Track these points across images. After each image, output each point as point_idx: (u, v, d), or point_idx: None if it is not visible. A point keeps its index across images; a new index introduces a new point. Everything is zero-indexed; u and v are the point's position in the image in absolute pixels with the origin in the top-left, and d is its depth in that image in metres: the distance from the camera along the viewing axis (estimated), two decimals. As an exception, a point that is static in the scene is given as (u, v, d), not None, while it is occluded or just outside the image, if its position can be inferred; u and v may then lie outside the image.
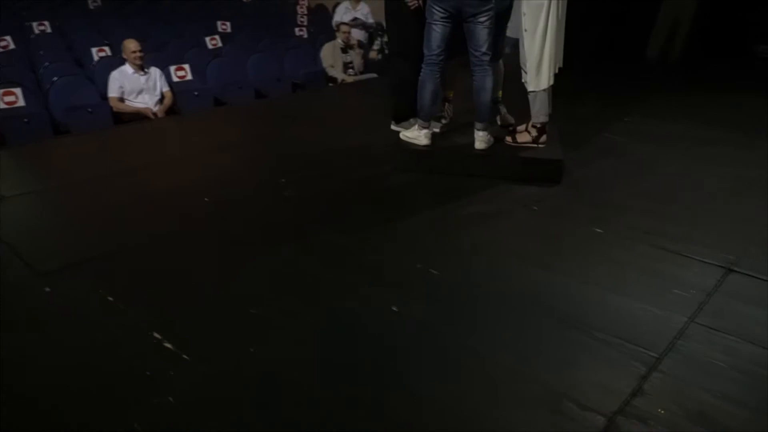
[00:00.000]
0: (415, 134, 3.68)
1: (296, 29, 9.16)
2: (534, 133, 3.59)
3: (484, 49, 3.33)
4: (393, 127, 4.08)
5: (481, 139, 3.56)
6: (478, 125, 3.54)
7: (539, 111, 3.52)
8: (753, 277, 2.51)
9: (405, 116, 4.00)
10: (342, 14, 8.02)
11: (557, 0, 3.31)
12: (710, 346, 2.09)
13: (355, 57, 7.09)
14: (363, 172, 3.63)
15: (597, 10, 6.88)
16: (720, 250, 2.70)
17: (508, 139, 3.68)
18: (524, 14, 3.34)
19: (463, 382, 1.89)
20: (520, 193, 3.35)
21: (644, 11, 7.65)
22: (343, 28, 7.10)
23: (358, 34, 7.89)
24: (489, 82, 3.39)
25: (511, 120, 3.92)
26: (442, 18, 3.33)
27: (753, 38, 8.36)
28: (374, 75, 7.07)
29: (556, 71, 3.47)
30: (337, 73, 6.91)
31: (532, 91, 3.46)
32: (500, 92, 3.91)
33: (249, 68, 6.98)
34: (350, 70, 7.02)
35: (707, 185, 3.52)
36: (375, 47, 7.63)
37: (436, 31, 3.37)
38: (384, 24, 9.63)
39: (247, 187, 3.40)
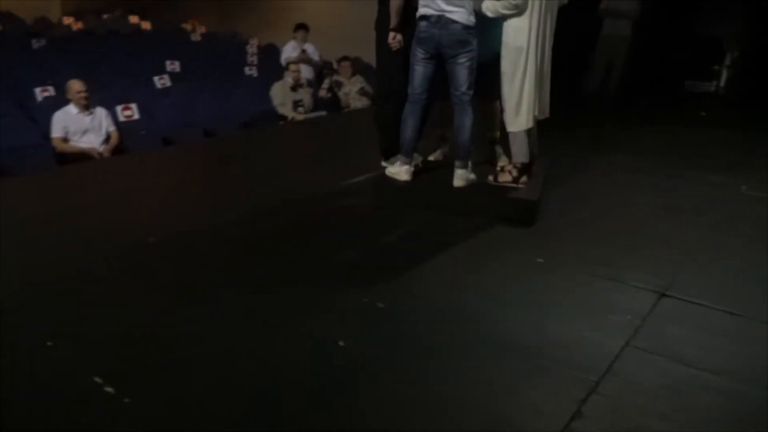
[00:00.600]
0: (397, 170, 3.74)
1: (246, 68, 9.24)
2: (514, 173, 3.63)
3: (463, 89, 3.43)
4: (383, 163, 4.10)
5: (459, 177, 3.60)
6: (457, 163, 3.59)
7: (518, 152, 3.56)
8: (684, 300, 2.63)
9: (393, 153, 4.03)
10: (290, 52, 8.13)
11: (537, 44, 3.38)
12: (646, 368, 2.17)
13: (304, 95, 7.17)
14: (312, 208, 3.67)
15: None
16: (653, 275, 2.83)
17: (490, 178, 3.72)
18: (503, 57, 3.42)
19: (404, 412, 1.91)
20: (475, 226, 3.40)
21: (581, 52, 8.02)
22: (293, 66, 7.19)
23: (307, 73, 8.01)
24: (468, 122, 3.48)
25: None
26: (423, 58, 3.45)
27: (682, 75, 8.88)
28: (323, 113, 7.16)
29: (539, 117, 3.55)
30: (286, 111, 6.97)
31: (511, 132, 3.53)
32: (497, 133, 3.95)
33: (198, 107, 6.99)
34: (300, 108, 7.09)
35: (640, 213, 3.69)
36: (324, 86, 7.75)
37: (418, 71, 3.48)
38: (332, 63, 9.90)
39: (193, 226, 3.37)
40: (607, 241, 3.25)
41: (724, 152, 5.26)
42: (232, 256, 3.02)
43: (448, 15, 3.30)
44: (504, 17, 3.36)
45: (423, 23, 3.39)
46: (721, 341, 2.36)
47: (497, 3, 3.33)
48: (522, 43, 3.34)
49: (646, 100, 7.83)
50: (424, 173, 3.87)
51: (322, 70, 8.64)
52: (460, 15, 3.30)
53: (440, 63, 3.44)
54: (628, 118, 6.78)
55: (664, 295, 2.66)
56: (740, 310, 2.56)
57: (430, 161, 4.09)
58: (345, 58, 7.99)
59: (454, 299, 2.61)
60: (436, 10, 3.32)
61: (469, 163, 3.67)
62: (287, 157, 4.92)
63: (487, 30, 3.45)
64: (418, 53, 3.44)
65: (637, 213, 3.69)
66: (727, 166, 4.75)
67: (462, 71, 3.39)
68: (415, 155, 3.84)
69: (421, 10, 3.39)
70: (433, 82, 3.51)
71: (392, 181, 3.74)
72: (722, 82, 8.84)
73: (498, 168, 3.79)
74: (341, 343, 2.24)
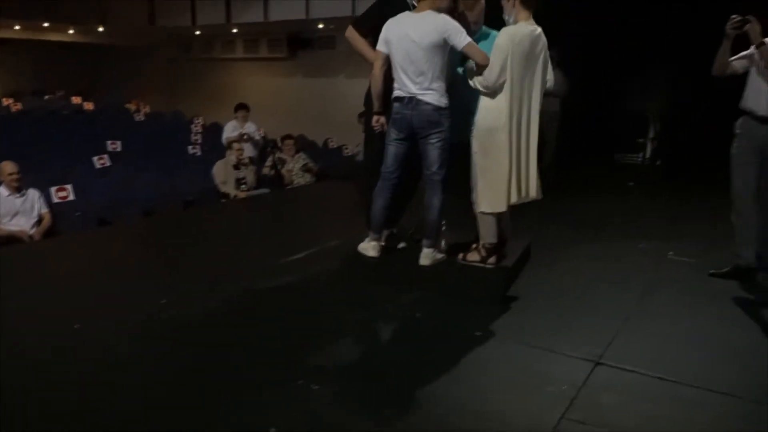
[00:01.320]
0: (365, 245, 3.73)
1: (189, 147, 9.24)
2: (483, 253, 3.56)
3: (434, 169, 3.45)
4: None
5: (425, 256, 3.58)
6: (424, 242, 3.59)
7: (486, 233, 3.50)
8: (618, 368, 2.66)
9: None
10: (230, 132, 8.19)
11: (512, 126, 3.30)
12: (582, 440, 2.17)
13: (247, 173, 7.20)
14: (254, 286, 3.61)
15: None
16: (589, 344, 2.87)
17: (460, 256, 3.67)
18: (473, 137, 3.42)
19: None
20: (433, 303, 3.42)
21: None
22: (236, 145, 7.24)
23: (250, 151, 8.06)
24: (436, 201, 3.48)
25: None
26: (396, 139, 3.50)
27: (611, 148, 9.37)
28: (266, 190, 7.18)
29: (524, 199, 3.48)
30: (229, 189, 6.96)
31: (479, 212, 3.50)
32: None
33: (139, 186, 6.89)
34: (243, 186, 7.10)
35: (578, 281, 3.78)
36: (267, 163, 7.80)
37: (391, 151, 3.53)
38: (276, 140, 10.03)
39: (123, 311, 3.24)
40: (543, 309, 3.30)
41: (652, 220, 5.50)
42: (163, 341, 2.91)
43: (419, 96, 3.37)
44: (482, 98, 3.37)
45: (396, 104, 3.45)
46: (656, 408, 2.39)
47: (476, 77, 3.35)
48: (492, 124, 3.33)
49: (579, 172, 8.17)
50: (399, 249, 3.87)
51: (266, 147, 8.73)
52: (432, 96, 3.36)
53: (414, 143, 3.49)
54: (564, 189, 7.04)
55: (598, 363, 2.69)
56: (672, 375, 2.60)
57: (411, 237, 4.04)
58: (288, 137, 8.12)
59: (389, 377, 2.58)
60: (408, 93, 3.39)
61: (442, 242, 3.70)
62: (228, 235, 4.86)
63: (467, 109, 3.51)
64: (392, 133, 3.50)
65: (576, 282, 3.78)
66: (655, 234, 4.96)
67: (433, 151, 3.43)
68: (394, 231, 3.90)
69: (395, 92, 3.46)
70: (406, 162, 3.53)
71: (362, 257, 3.72)
72: (647, 154, 9.35)
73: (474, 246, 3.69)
74: (272, 430, 2.16)
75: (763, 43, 3.64)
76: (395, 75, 3.44)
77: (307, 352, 2.79)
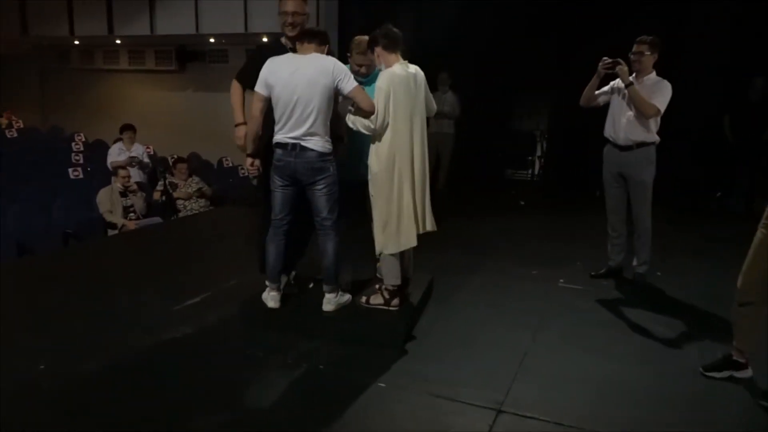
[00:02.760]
0: (265, 296, 3.59)
1: (70, 170, 8.58)
2: (386, 295, 3.55)
3: (323, 215, 3.39)
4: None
5: (328, 302, 3.52)
6: (325, 287, 3.52)
7: (389, 274, 3.48)
8: (519, 416, 2.74)
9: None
10: (116, 156, 7.75)
11: (406, 164, 3.33)
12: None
13: (136, 200, 6.81)
14: (144, 341, 3.38)
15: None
16: (489, 389, 2.93)
17: (363, 299, 3.64)
18: (369, 180, 3.40)
19: None
20: (334, 351, 3.34)
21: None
22: (122, 172, 6.83)
23: (138, 176, 7.65)
24: (330, 246, 3.43)
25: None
26: (281, 185, 3.39)
27: (501, 165, 9.79)
28: (158, 219, 6.82)
29: (421, 231, 3.48)
30: (116, 218, 6.54)
31: (379, 254, 3.47)
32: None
33: (9, 220, 6.30)
34: (131, 215, 6.71)
35: (473, 316, 3.88)
36: (159, 187, 7.43)
37: (278, 198, 3.42)
38: (167, 159, 9.57)
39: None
40: (445, 353, 3.35)
41: (543, 244, 5.76)
42: (38, 416, 2.66)
43: (303, 143, 3.27)
44: (372, 141, 3.37)
45: (279, 151, 3.34)
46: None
47: (358, 121, 3.33)
48: (385, 166, 3.32)
49: (471, 191, 8.44)
50: (302, 295, 3.80)
51: (156, 170, 8.32)
52: (315, 143, 3.28)
53: (299, 188, 3.40)
54: (459, 211, 7.24)
55: (500, 411, 2.76)
56: (570, 420, 2.71)
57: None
58: (180, 160, 7.77)
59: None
60: (290, 138, 3.28)
61: (346, 283, 3.68)
62: (114, 278, 4.55)
63: (362, 149, 3.50)
64: (276, 180, 3.40)
65: (473, 318, 3.86)
66: (546, 259, 5.20)
67: (320, 198, 3.37)
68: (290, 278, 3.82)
69: (277, 137, 3.34)
70: (296, 206, 3.45)
71: (263, 305, 3.59)
72: (536, 170, 9.85)
73: (377, 286, 3.68)
74: None
75: (632, 83, 4.23)
76: (277, 118, 3.33)
77: (195, 415, 2.66)
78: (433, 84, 8.08)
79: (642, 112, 4.24)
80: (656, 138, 4.36)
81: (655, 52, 4.32)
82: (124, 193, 6.77)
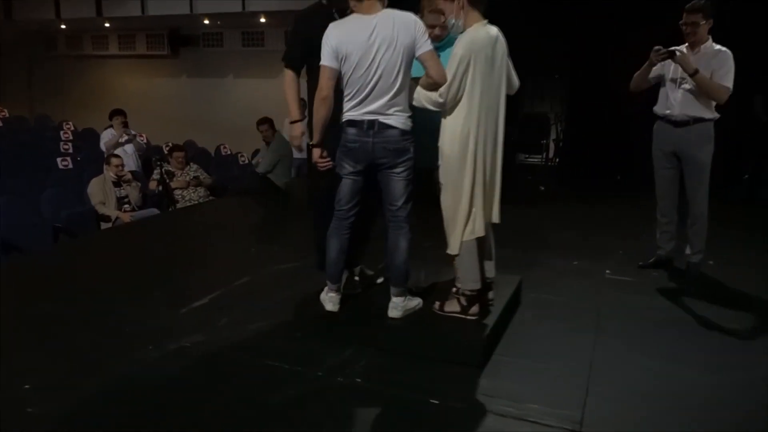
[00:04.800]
0: (323, 297, 3.11)
1: (59, 159, 8.04)
2: (463, 302, 3.01)
3: (399, 203, 2.89)
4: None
5: (395, 307, 3.00)
6: (393, 290, 3.00)
7: (466, 277, 2.95)
8: (602, 438, 2.30)
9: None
10: (108, 138, 7.27)
11: (479, 148, 2.78)
12: None
13: (130, 191, 6.31)
14: (150, 354, 2.90)
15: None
16: (562, 406, 2.48)
17: (436, 305, 3.10)
18: (440, 166, 2.87)
19: None
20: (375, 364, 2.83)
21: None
22: (114, 160, 6.32)
23: (132, 164, 7.16)
24: (403, 242, 2.93)
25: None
26: (352, 172, 2.90)
27: (513, 149, 9.33)
28: (155, 210, 6.32)
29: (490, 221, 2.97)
30: (109, 210, 6.03)
31: (454, 254, 2.93)
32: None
33: (-4, 213, 5.80)
34: (126, 206, 6.21)
35: (527, 320, 3.40)
36: (155, 176, 6.91)
37: (347, 186, 2.93)
38: (162, 148, 9.05)
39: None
40: (503, 363, 2.87)
41: (572, 232, 5.30)
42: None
43: (382, 119, 2.79)
44: (443, 117, 2.85)
45: (351, 131, 2.83)
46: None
47: (423, 94, 2.82)
48: (459, 151, 2.80)
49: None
50: (363, 298, 3.29)
51: (151, 159, 7.82)
52: (398, 119, 2.80)
53: (370, 176, 2.92)
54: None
55: (579, 433, 2.32)
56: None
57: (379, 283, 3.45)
58: (177, 148, 7.25)
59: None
60: (367, 115, 2.79)
61: (417, 289, 3.18)
62: (109, 280, 4.04)
63: (433, 129, 2.95)
64: (347, 166, 2.89)
65: (523, 319, 3.39)
66: (582, 249, 4.76)
67: (398, 183, 2.87)
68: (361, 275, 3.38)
69: (349, 114, 2.84)
70: (363, 196, 2.97)
71: (320, 309, 3.11)
72: (550, 154, 9.41)
73: (454, 290, 3.08)
74: None
75: (697, 71, 3.77)
76: (350, 93, 2.82)
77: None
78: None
79: (714, 99, 3.83)
80: (715, 114, 3.92)
81: (710, 17, 3.85)
82: (117, 183, 6.26)
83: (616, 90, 4.05)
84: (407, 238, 2.95)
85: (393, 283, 3.02)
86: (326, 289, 3.10)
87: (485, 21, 2.85)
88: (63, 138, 9.71)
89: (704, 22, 3.83)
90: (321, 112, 2.82)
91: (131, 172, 6.77)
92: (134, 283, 3.88)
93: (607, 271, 4.22)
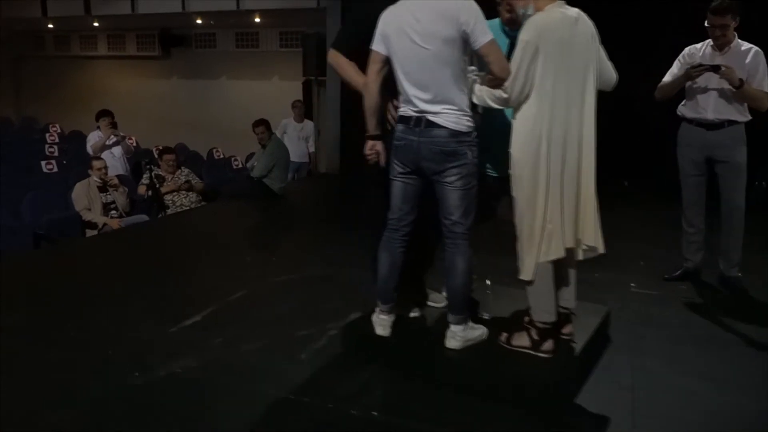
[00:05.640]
0: (373, 318, 2.79)
1: (44, 163, 7.67)
2: (534, 335, 2.61)
3: (454, 218, 2.53)
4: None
5: (453, 336, 2.65)
6: (450, 317, 2.67)
7: (537, 306, 2.56)
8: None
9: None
10: (95, 140, 6.92)
11: (559, 155, 2.40)
12: None
13: (117, 196, 5.96)
14: (132, 381, 2.56)
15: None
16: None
17: (503, 337, 2.71)
18: (511, 175, 2.50)
19: None
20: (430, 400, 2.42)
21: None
22: (96, 163, 5.96)
23: (118, 168, 6.81)
24: (461, 262, 2.57)
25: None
26: (401, 174, 2.58)
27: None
28: (144, 217, 5.97)
29: (581, 256, 2.58)
30: (95, 216, 5.67)
31: (526, 280, 2.54)
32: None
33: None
34: (113, 212, 5.85)
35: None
36: (144, 181, 6.56)
37: (398, 189, 2.61)
38: (152, 151, 8.70)
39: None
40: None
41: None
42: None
43: (429, 117, 2.46)
44: (513, 117, 2.47)
45: (400, 127, 2.55)
46: None
47: (485, 90, 2.48)
48: (530, 156, 2.41)
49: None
50: (419, 322, 2.93)
51: (140, 163, 7.49)
52: (447, 117, 2.44)
53: (426, 180, 2.58)
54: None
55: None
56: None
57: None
58: (167, 151, 6.90)
59: None
60: (414, 111, 2.49)
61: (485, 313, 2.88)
62: (91, 292, 3.67)
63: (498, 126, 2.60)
64: (396, 166, 2.59)
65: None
66: (600, 259, 4.43)
67: (451, 194, 2.51)
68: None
69: (400, 110, 2.56)
70: (418, 202, 2.64)
71: (371, 331, 2.78)
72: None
73: (526, 320, 2.68)
74: None
75: (742, 83, 3.49)
76: (398, 85, 2.53)
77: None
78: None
79: (757, 107, 3.57)
80: (748, 116, 3.66)
81: (738, 16, 3.59)
82: (103, 188, 5.91)
83: (623, 92, 3.76)
84: (466, 258, 2.57)
85: (451, 309, 2.67)
86: (377, 310, 2.77)
87: (561, 1, 2.45)
88: (49, 141, 9.37)
89: (733, 21, 3.58)
90: (365, 100, 2.55)
91: (119, 176, 6.44)
92: (118, 296, 3.52)
93: (632, 285, 3.93)
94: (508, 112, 2.57)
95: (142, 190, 6.48)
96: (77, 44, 12.60)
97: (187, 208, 6.47)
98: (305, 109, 8.74)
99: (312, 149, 8.56)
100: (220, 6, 9.20)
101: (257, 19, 10.07)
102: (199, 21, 10.63)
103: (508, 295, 3.04)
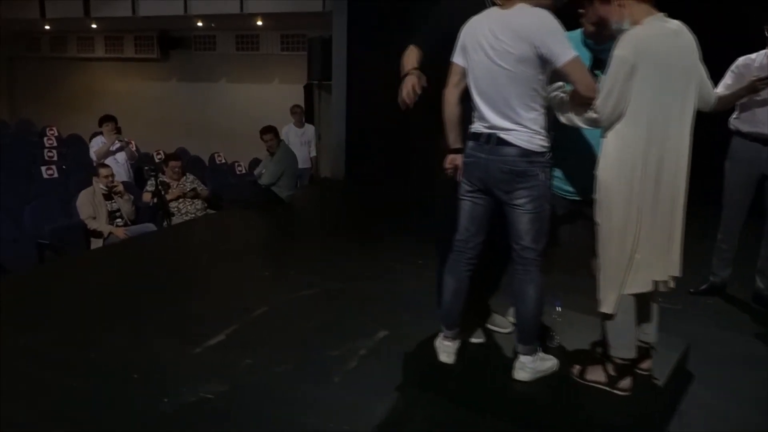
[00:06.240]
0: (437, 344, 2.66)
1: (44, 168, 7.49)
2: (611, 371, 2.43)
3: (524, 242, 2.38)
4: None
5: (522, 368, 2.51)
6: (519, 347, 2.52)
7: (616, 341, 2.36)
8: None
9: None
10: (99, 147, 6.77)
11: (655, 178, 2.23)
12: None
13: (123, 204, 5.82)
14: (158, 409, 2.44)
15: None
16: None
17: (576, 369, 2.54)
18: (596, 200, 2.31)
19: None
20: None
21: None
22: (103, 171, 5.83)
23: (123, 175, 6.66)
24: (531, 290, 2.41)
25: None
26: (469, 193, 2.46)
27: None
28: (151, 226, 5.83)
29: (662, 287, 2.37)
30: (100, 225, 5.53)
31: (606, 313, 2.34)
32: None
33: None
34: (118, 221, 5.71)
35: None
36: (149, 188, 6.43)
37: (465, 209, 2.49)
38: (152, 156, 8.55)
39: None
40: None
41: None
42: None
43: (500, 134, 2.32)
44: (602, 137, 2.27)
45: (470, 143, 2.43)
46: None
47: (573, 109, 2.31)
48: (621, 180, 2.21)
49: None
50: (484, 349, 2.77)
51: (142, 169, 7.35)
52: (519, 135, 2.30)
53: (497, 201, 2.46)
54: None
55: None
56: None
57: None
58: (173, 157, 6.76)
59: None
60: (485, 127, 2.37)
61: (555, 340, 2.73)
62: (105, 309, 3.52)
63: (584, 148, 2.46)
64: (464, 184, 2.47)
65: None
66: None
67: (521, 217, 2.36)
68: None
69: (473, 126, 2.43)
70: (487, 224, 2.51)
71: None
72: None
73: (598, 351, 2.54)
74: None
75: None
76: (472, 99, 2.41)
77: None
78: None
79: None
80: None
81: None
82: (108, 196, 5.77)
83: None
84: (537, 286, 2.42)
85: (520, 339, 2.52)
86: (441, 335, 2.65)
87: (661, 14, 2.25)
88: (47, 144, 9.17)
89: None
90: (443, 112, 2.44)
91: (123, 183, 6.28)
92: (133, 313, 3.40)
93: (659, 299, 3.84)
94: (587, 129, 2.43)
95: (147, 197, 6.34)
96: (74, 45, 12.42)
97: (193, 215, 6.33)
98: (306, 113, 8.63)
99: (314, 153, 8.44)
100: (223, 9, 9.06)
101: (259, 22, 9.95)
102: (200, 24, 10.50)
103: (579, 322, 2.89)
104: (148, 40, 11.60)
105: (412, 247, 4.98)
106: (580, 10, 2.46)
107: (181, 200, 6.36)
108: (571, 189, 2.59)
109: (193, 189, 6.52)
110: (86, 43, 12.30)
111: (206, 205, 6.59)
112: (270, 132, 6.44)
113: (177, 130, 10.94)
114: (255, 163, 8.95)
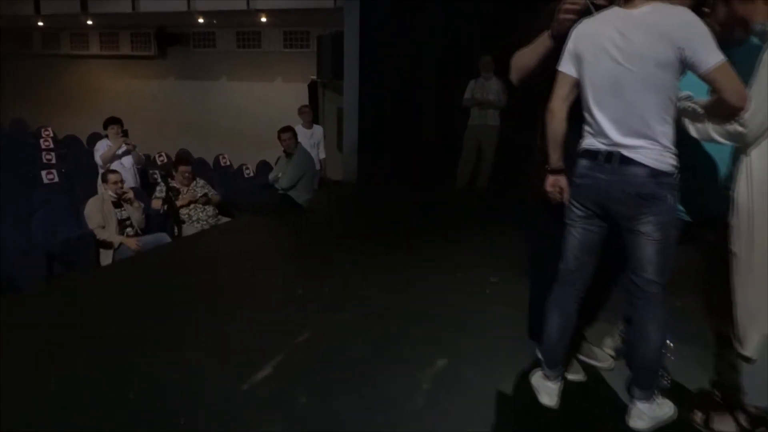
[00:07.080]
0: (535, 382, 2.44)
1: (44, 173, 7.15)
2: (743, 421, 2.20)
3: (647, 275, 2.12)
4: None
5: (638, 415, 2.26)
6: (636, 392, 2.28)
7: (755, 388, 2.12)
8: None
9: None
10: (104, 151, 6.45)
11: None
12: None
13: (133, 211, 5.53)
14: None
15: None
16: None
17: (697, 417, 2.30)
18: (732, 227, 2.06)
19: None
20: None
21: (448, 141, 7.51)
22: (112, 177, 5.53)
23: (131, 181, 6.35)
24: (653, 329, 2.15)
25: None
26: (582, 218, 2.23)
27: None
28: (164, 236, 5.54)
29: None
30: (111, 235, 5.23)
31: (744, 355, 2.10)
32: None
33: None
34: (128, 230, 5.42)
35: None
36: (158, 194, 6.15)
37: (574, 237, 2.26)
38: (157, 157, 8.22)
39: None
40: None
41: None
42: None
43: (624, 152, 2.08)
44: (742, 154, 2.03)
45: (583, 162, 2.18)
46: None
47: (711, 121, 2.05)
48: (763, 201, 1.97)
49: (517, 191, 7.36)
50: (586, 389, 2.53)
51: (150, 173, 7.06)
52: (647, 153, 2.05)
53: (612, 228, 2.22)
54: (504, 217, 6.14)
55: None
56: None
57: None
58: (182, 161, 6.48)
59: None
60: (605, 145, 2.12)
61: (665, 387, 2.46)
62: (136, 335, 3.26)
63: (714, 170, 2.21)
64: (575, 209, 2.25)
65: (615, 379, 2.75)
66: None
67: (646, 246, 2.10)
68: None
69: (585, 142, 2.19)
70: (598, 252, 2.28)
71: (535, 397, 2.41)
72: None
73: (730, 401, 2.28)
74: None
75: None
76: (585, 112, 2.16)
77: None
78: (474, 69, 7.13)
79: None
80: None
81: None
82: (117, 203, 5.48)
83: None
84: (660, 324, 2.15)
85: (637, 383, 2.27)
86: (541, 374, 2.42)
87: None
88: (44, 147, 8.80)
89: None
90: (548, 128, 2.21)
91: (131, 189, 5.98)
92: (166, 341, 3.10)
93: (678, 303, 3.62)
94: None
95: (157, 204, 6.06)
96: (67, 42, 12.05)
97: (204, 221, 6.05)
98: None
99: (323, 155, 8.15)
100: (226, 5, 8.75)
101: (263, 19, 9.64)
102: (201, 20, 10.16)
103: (692, 357, 2.64)
104: (144, 37, 11.27)
105: (445, 254, 4.75)
106: (705, 9, 2.19)
107: (192, 207, 6.08)
108: (683, 209, 2.34)
109: (205, 194, 6.24)
110: (80, 40, 11.93)
111: (218, 211, 6.31)
112: (289, 131, 6.18)
113: (175, 129, 10.66)
114: (263, 165, 8.67)
